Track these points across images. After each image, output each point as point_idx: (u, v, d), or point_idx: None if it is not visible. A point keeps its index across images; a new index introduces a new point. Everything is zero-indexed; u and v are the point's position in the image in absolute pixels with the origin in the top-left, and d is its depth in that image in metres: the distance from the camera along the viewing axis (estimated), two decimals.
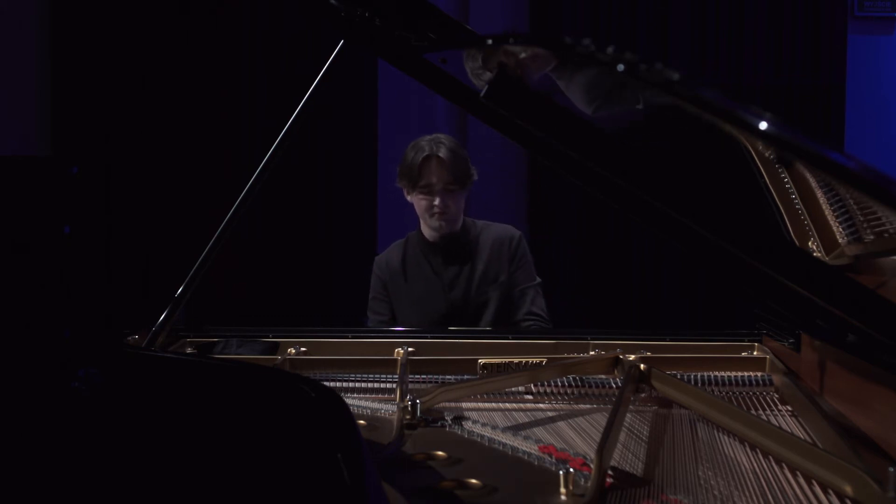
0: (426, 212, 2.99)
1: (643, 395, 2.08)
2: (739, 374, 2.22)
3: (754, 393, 2.13)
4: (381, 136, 5.23)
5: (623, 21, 5.30)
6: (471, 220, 3.13)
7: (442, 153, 2.92)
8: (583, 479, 1.50)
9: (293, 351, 2.40)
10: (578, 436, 1.82)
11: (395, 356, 2.36)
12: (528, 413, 2.00)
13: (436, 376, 2.27)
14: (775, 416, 1.97)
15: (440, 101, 4.91)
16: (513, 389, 2.14)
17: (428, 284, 3.04)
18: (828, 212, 1.93)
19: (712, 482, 1.55)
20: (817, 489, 1.50)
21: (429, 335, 2.51)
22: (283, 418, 1.98)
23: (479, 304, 3.04)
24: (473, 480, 1.52)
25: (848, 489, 1.45)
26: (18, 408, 2.26)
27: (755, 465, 1.64)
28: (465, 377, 2.23)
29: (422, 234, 3.09)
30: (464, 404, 2.04)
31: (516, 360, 2.30)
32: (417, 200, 3.01)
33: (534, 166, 5.16)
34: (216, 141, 5.09)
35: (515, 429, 1.85)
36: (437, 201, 2.94)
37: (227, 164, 4.93)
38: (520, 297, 3.05)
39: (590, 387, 2.15)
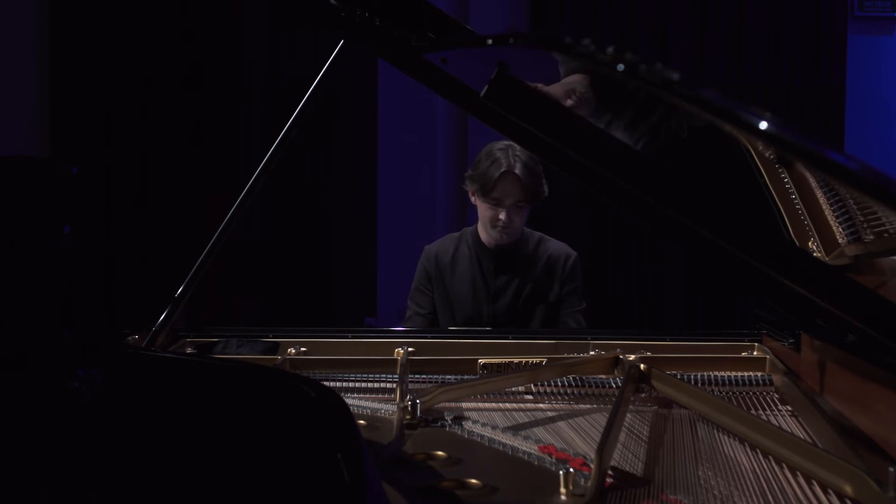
0: (489, 221, 2.94)
1: (643, 395, 2.08)
2: (739, 374, 2.22)
3: (754, 393, 2.13)
4: (381, 137, 5.23)
5: (623, 21, 5.30)
6: (529, 230, 3.08)
7: (518, 170, 2.86)
8: (583, 479, 1.50)
9: (293, 351, 2.40)
10: (578, 436, 1.82)
11: (395, 356, 2.36)
12: (528, 413, 1.99)
13: (436, 376, 2.27)
14: (775, 416, 1.97)
15: (440, 101, 4.90)
16: (513, 389, 2.14)
17: (475, 288, 2.99)
18: (828, 212, 1.93)
19: (712, 482, 1.55)
20: (817, 489, 1.50)
21: (429, 335, 2.51)
22: (283, 418, 1.98)
23: (522, 319, 2.99)
24: (473, 480, 1.52)
25: (848, 489, 1.45)
26: (19, 408, 2.26)
27: (755, 465, 1.64)
28: (465, 377, 2.23)
29: (478, 235, 3.04)
30: (464, 404, 2.04)
31: (516, 360, 2.30)
32: (483, 208, 2.96)
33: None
34: (216, 141, 5.09)
35: (515, 429, 1.85)
36: (502, 215, 2.89)
37: (227, 165, 4.93)
38: (563, 323, 3.01)
39: (590, 387, 2.15)
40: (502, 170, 2.86)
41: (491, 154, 2.93)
